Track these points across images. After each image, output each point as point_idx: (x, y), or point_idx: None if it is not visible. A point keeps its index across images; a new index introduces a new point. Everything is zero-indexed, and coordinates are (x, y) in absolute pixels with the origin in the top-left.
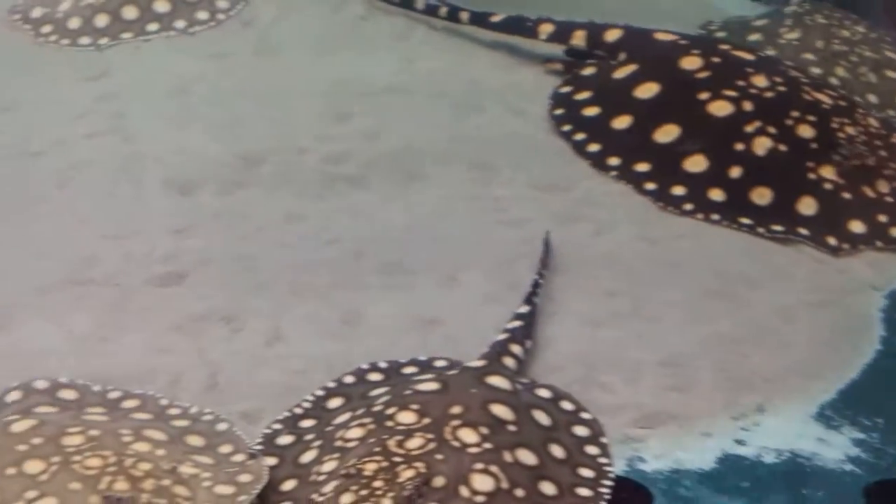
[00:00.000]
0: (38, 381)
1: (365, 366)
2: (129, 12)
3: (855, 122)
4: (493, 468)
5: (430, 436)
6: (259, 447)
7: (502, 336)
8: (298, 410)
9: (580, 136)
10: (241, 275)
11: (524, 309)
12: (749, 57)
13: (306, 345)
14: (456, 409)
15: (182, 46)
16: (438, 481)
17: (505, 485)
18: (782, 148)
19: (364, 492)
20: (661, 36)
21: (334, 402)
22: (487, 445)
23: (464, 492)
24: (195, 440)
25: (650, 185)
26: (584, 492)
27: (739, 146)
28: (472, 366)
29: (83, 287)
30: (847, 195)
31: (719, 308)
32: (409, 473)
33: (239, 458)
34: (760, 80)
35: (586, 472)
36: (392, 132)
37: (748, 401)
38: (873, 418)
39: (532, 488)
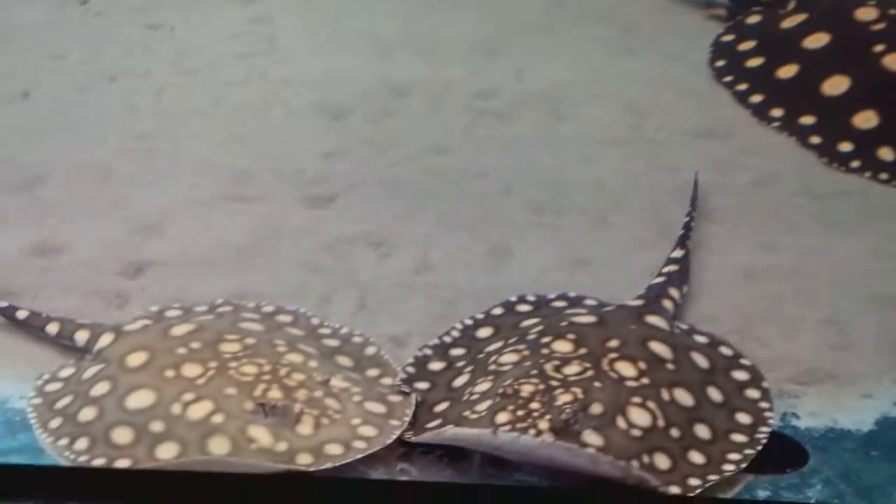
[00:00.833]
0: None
1: (513, 298)
2: None
3: None
4: (651, 404)
5: (587, 364)
6: (411, 369)
7: (659, 279)
8: (448, 339)
9: (742, 87)
10: (389, 201)
11: (678, 253)
12: None
13: (454, 275)
14: (613, 343)
15: None
16: (596, 408)
17: (661, 422)
18: None
19: (520, 412)
20: None
21: (484, 332)
22: (645, 381)
23: (620, 423)
24: (345, 360)
25: (815, 139)
26: (739, 438)
27: None
28: (630, 304)
29: (238, 203)
30: None
31: (885, 270)
32: (567, 398)
33: (387, 381)
34: None
35: (744, 418)
36: (542, 71)
37: None
38: None
39: (687, 429)
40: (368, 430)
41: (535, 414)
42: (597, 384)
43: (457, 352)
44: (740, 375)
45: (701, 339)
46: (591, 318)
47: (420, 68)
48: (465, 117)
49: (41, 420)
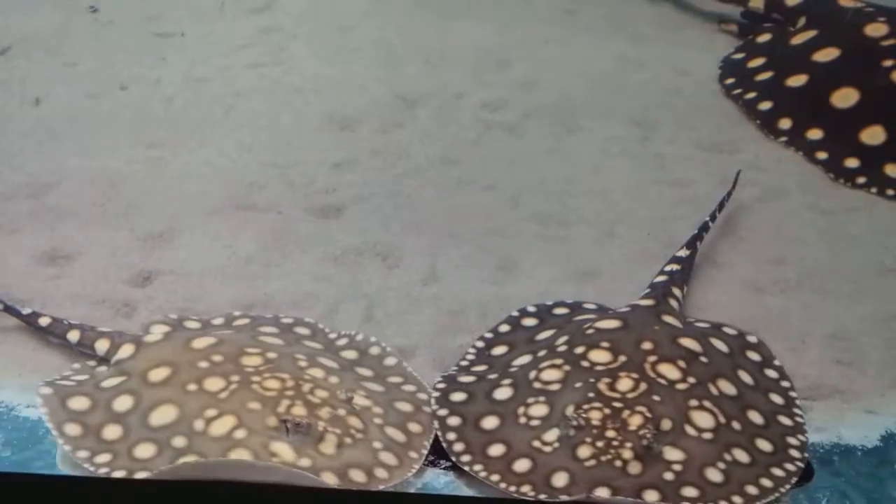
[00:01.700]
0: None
1: (516, 313)
2: None
3: None
4: (706, 403)
5: (634, 375)
6: (441, 384)
7: (662, 278)
8: (464, 363)
9: (751, 95)
10: (397, 212)
11: (683, 252)
12: None
13: (461, 287)
14: (647, 345)
15: None
16: (666, 424)
17: (722, 419)
18: None
19: (600, 443)
20: (844, 2)
21: (499, 350)
22: (691, 380)
23: (690, 431)
24: (365, 371)
25: (822, 155)
26: (785, 420)
27: None
28: (643, 304)
29: (247, 212)
30: None
31: (891, 286)
32: (638, 420)
33: (410, 388)
34: None
35: (776, 398)
36: (550, 83)
37: None
38: None
39: (744, 419)
40: (389, 458)
41: (615, 443)
42: (655, 397)
43: (479, 368)
44: (754, 356)
45: (703, 325)
46: (615, 323)
47: (430, 79)
48: (474, 129)
49: (55, 419)
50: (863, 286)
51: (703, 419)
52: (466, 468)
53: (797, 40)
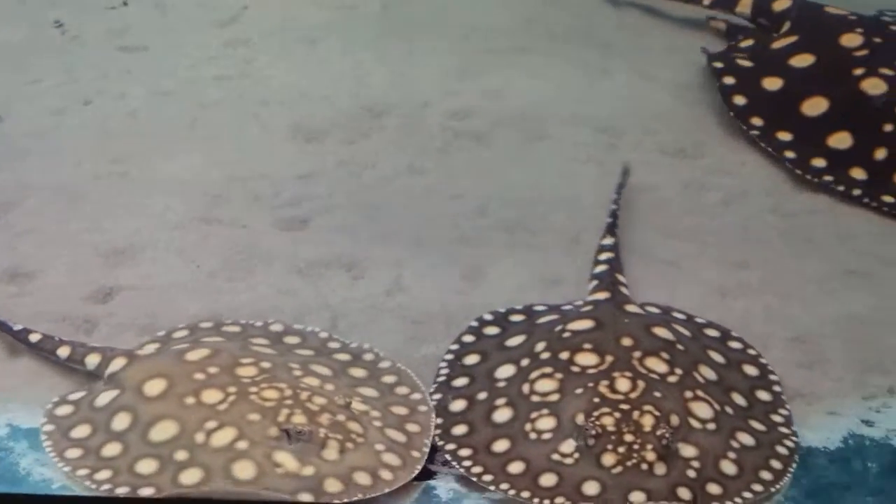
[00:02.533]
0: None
1: (474, 322)
2: None
3: None
4: (699, 392)
5: (628, 374)
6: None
7: (602, 267)
8: (441, 378)
9: (729, 81)
10: (363, 223)
11: (609, 240)
12: None
13: (427, 296)
14: (628, 342)
15: None
16: (674, 420)
17: (717, 406)
18: None
19: (621, 449)
20: (831, 10)
21: (471, 359)
22: (678, 371)
23: (695, 423)
24: (359, 372)
25: (790, 153)
26: (764, 395)
27: (888, 127)
28: (601, 298)
29: (210, 226)
30: None
31: (853, 288)
32: (650, 420)
33: (404, 390)
34: None
35: (751, 370)
36: (516, 91)
37: (879, 382)
38: None
39: (732, 403)
40: (392, 459)
41: (636, 446)
42: (656, 394)
43: (461, 383)
44: (712, 332)
45: (655, 310)
46: (587, 323)
47: (396, 90)
48: (441, 138)
49: (57, 448)
50: (825, 288)
51: (702, 410)
52: (492, 487)
53: (778, 44)
